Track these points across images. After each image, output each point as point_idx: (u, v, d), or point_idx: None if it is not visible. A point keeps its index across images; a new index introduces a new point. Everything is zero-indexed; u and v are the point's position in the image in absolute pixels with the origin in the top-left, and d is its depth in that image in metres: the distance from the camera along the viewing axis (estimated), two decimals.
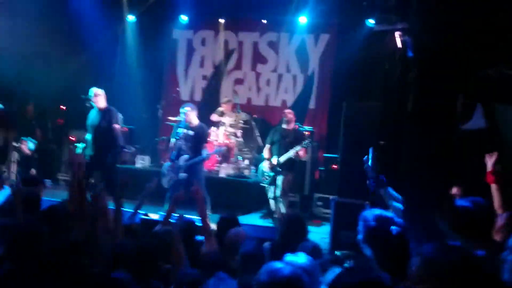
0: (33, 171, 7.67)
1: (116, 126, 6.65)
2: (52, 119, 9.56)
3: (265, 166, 6.88)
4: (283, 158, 6.69)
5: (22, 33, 8.26)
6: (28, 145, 7.98)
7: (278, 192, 6.72)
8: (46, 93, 8.91)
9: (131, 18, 9.78)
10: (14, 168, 8.24)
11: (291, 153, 6.63)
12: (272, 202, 6.84)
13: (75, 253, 2.67)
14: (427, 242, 1.87)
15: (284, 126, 6.95)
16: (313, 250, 3.04)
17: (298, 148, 6.59)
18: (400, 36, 5.91)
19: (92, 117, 6.73)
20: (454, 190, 4.43)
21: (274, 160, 6.74)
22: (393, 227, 2.18)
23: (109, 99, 6.85)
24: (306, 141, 6.69)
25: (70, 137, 9.13)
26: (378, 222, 2.21)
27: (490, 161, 3.51)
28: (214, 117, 8.52)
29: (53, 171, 8.93)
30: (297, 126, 7.19)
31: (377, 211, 2.28)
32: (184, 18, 9.71)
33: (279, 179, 6.72)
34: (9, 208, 3.83)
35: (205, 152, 6.69)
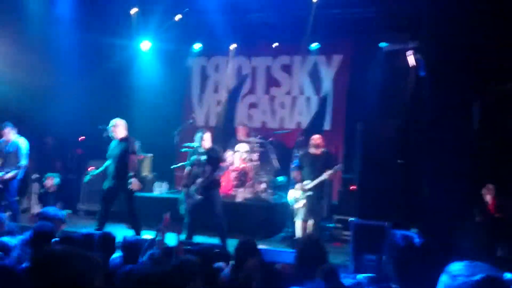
0: (59, 205, 7.66)
1: (132, 155, 6.70)
2: (71, 150, 9.69)
3: (296, 189, 6.86)
4: (316, 181, 6.71)
5: (38, 66, 8.47)
6: (55, 181, 8.08)
7: (313, 217, 6.72)
8: (65, 124, 9.05)
9: (146, 46, 9.84)
10: (35, 199, 8.33)
11: (324, 176, 6.70)
12: (298, 223, 6.77)
13: None
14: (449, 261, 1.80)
15: (312, 150, 6.95)
16: (330, 274, 2.98)
17: (330, 172, 6.70)
18: (413, 54, 5.91)
19: (112, 147, 6.83)
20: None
21: (307, 184, 6.73)
22: (416, 240, 2.21)
23: (128, 128, 6.91)
24: (339, 165, 6.95)
25: (90, 167, 9.20)
26: (403, 238, 2.22)
27: (489, 196, 3.44)
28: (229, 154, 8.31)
29: (73, 202, 8.99)
30: (322, 151, 7.10)
31: (402, 231, 2.31)
32: (197, 46, 9.84)
33: (312, 204, 6.70)
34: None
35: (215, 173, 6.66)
